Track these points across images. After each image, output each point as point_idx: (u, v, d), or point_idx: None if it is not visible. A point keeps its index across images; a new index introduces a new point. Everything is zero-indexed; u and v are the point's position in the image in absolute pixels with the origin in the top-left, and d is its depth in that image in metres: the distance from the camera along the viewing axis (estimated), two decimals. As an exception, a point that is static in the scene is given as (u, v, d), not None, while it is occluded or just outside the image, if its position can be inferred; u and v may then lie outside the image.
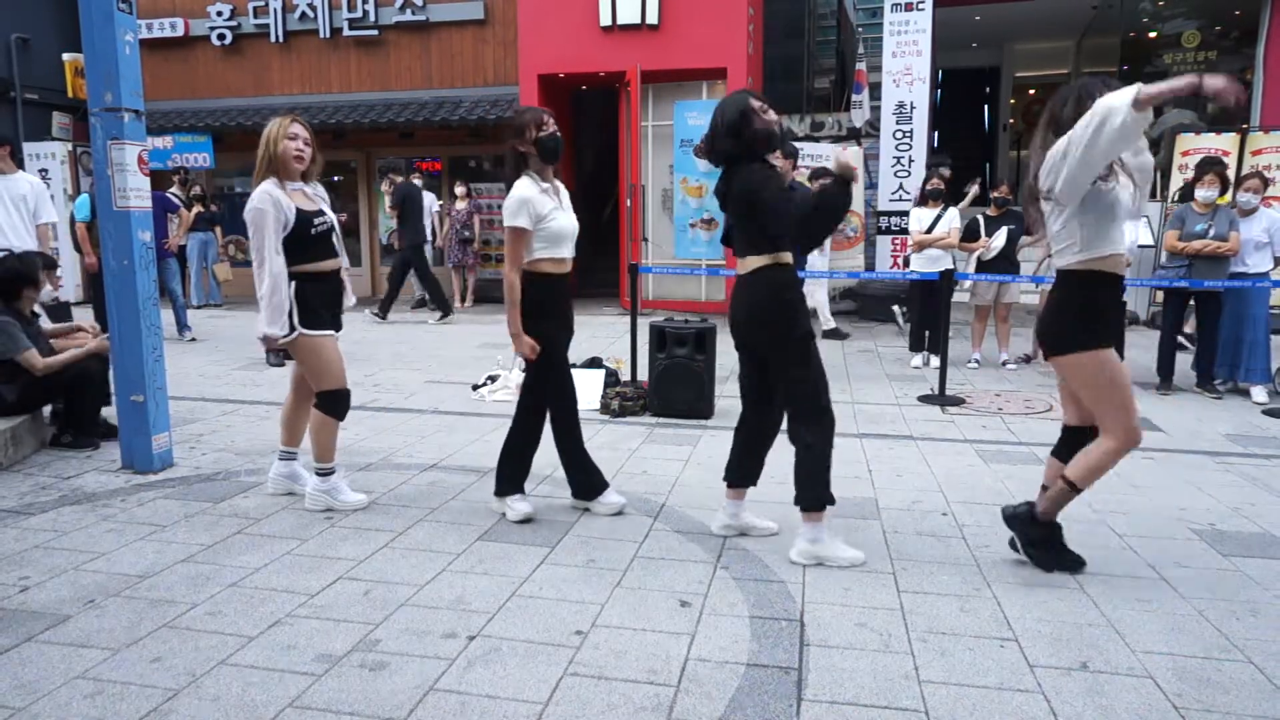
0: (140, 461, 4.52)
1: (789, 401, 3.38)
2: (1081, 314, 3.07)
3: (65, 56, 13.19)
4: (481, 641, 2.74)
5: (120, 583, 3.16)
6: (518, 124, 3.63)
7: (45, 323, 5.20)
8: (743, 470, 3.61)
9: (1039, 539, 3.29)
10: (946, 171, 8.90)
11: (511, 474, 3.86)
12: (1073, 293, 3.11)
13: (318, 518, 3.85)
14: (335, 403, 3.91)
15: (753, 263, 3.33)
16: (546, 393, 3.80)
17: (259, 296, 3.70)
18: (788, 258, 3.35)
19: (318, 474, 3.95)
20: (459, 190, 11.81)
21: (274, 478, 4.17)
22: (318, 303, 3.81)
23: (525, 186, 3.58)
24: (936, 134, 14.78)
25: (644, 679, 2.51)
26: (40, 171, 12.23)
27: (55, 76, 13.38)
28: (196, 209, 10.94)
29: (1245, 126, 10.31)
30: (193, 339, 9.06)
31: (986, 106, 17.85)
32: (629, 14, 10.62)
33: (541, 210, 3.57)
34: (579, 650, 2.68)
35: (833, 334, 9.26)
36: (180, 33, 13.19)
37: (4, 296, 4.88)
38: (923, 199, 7.92)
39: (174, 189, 10.43)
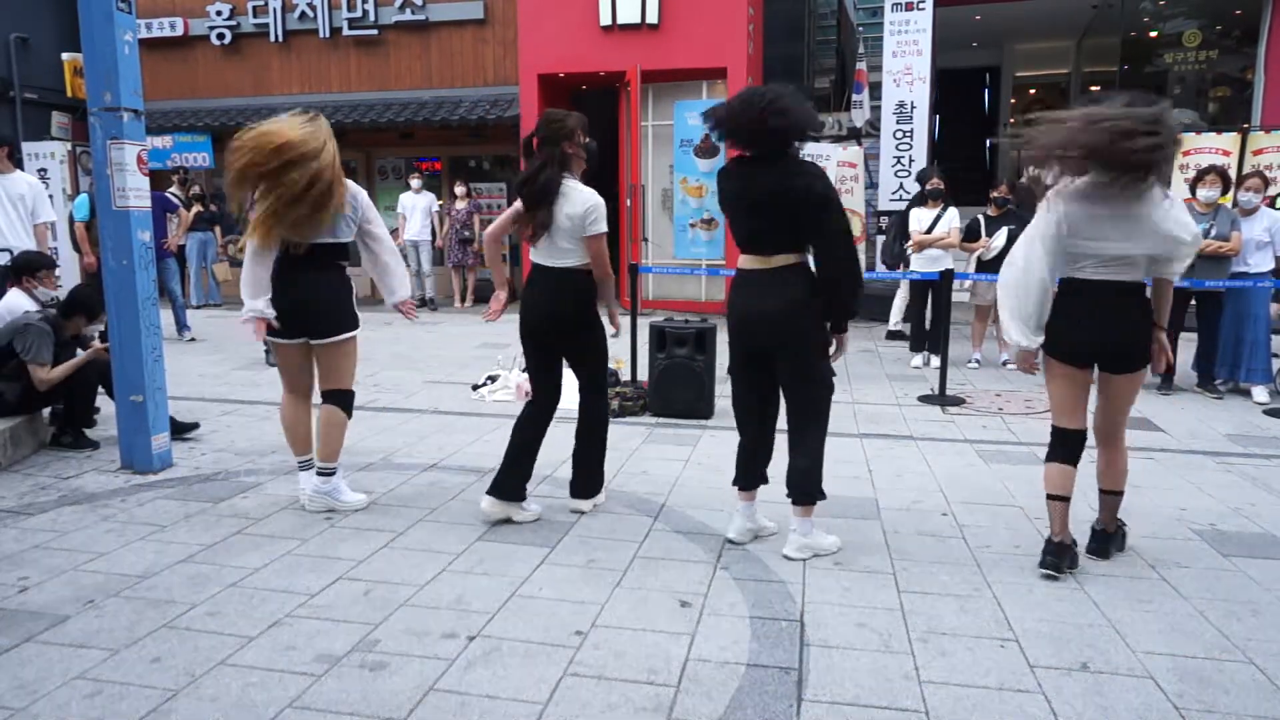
0: (140, 462, 4.51)
1: (800, 406, 3.38)
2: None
3: (64, 56, 13.17)
4: (481, 641, 2.73)
5: (120, 583, 3.15)
6: (569, 127, 3.63)
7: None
8: (754, 473, 3.59)
9: (1116, 540, 3.46)
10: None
11: (525, 474, 3.83)
12: (1143, 307, 3.20)
13: (318, 518, 3.84)
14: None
15: (785, 259, 3.28)
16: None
17: (401, 267, 4.04)
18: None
19: (319, 474, 3.93)
20: (459, 190, 11.81)
21: (313, 494, 3.93)
22: None
23: (593, 192, 3.65)
24: (938, 118, 14.71)
25: (644, 679, 2.51)
26: (39, 171, 12.23)
27: (54, 76, 13.36)
28: (196, 209, 10.93)
29: (1246, 126, 10.30)
30: (192, 339, 9.06)
31: (986, 105, 17.83)
32: (629, 14, 10.61)
33: None
34: (579, 650, 2.68)
35: (897, 335, 9.18)
36: (179, 32, 13.18)
37: (61, 312, 5.00)
38: (922, 199, 7.92)
39: (173, 189, 10.43)
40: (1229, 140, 9.78)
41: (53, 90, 13.52)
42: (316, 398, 4.01)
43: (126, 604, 2.98)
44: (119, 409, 4.54)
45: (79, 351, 5.00)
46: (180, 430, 5.06)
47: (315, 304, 3.81)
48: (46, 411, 5.08)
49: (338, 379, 3.92)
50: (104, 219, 4.42)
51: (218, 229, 12.04)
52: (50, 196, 6.97)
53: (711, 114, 3.30)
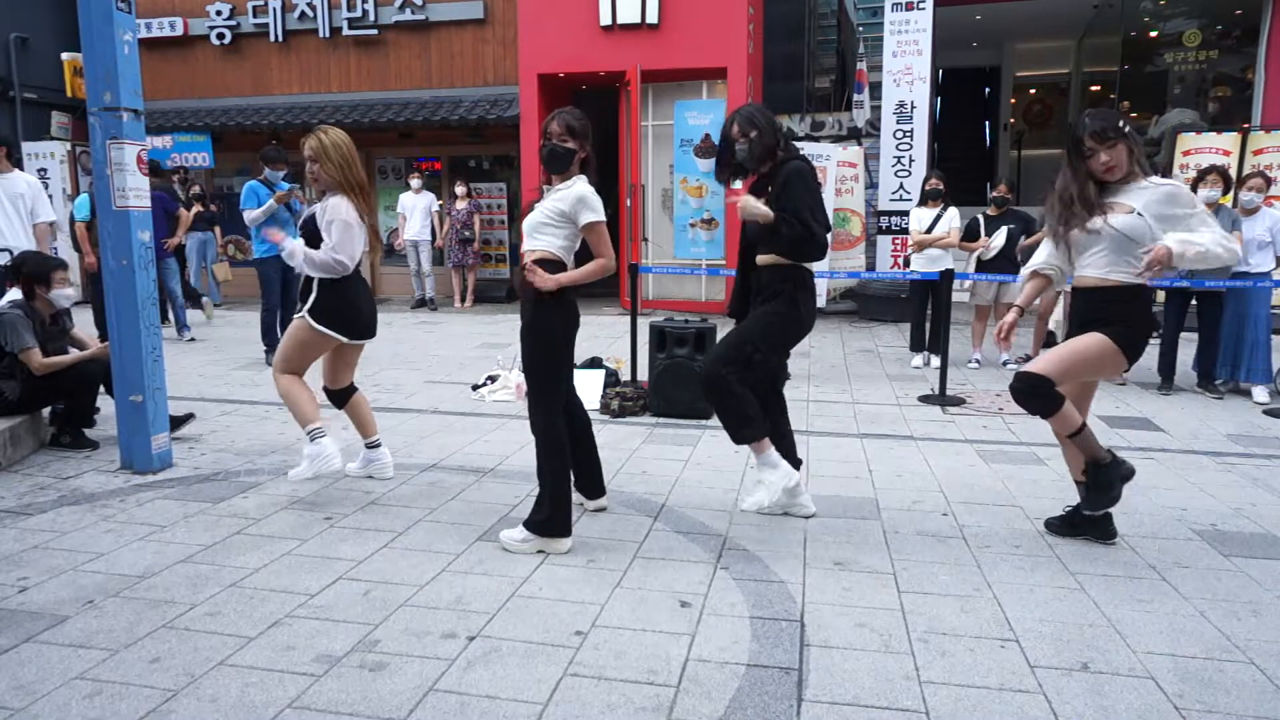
0: (139, 462, 4.51)
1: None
2: None
3: (64, 56, 13.19)
4: (481, 641, 2.73)
5: (119, 583, 3.15)
6: (584, 127, 3.61)
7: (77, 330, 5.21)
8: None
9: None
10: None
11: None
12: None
13: (317, 518, 3.84)
14: None
15: None
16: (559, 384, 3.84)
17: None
18: None
19: (378, 446, 4.40)
20: (459, 190, 11.81)
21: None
22: None
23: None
24: (939, 106, 14.70)
25: (644, 679, 2.51)
26: (39, 171, 12.24)
27: (54, 76, 13.37)
28: (196, 209, 10.92)
29: (1246, 126, 10.31)
30: (192, 339, 9.06)
31: (986, 105, 17.83)
32: (629, 13, 10.62)
33: None
34: (579, 650, 2.67)
35: None
36: (179, 32, 13.19)
37: (24, 294, 4.88)
38: (923, 199, 7.91)
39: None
40: (1229, 140, 9.78)
41: (53, 90, 13.53)
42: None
43: (126, 604, 2.98)
44: (119, 409, 4.53)
45: (70, 349, 4.98)
46: (174, 424, 4.99)
47: (373, 305, 4.25)
48: (46, 411, 5.07)
49: (353, 371, 4.33)
50: (104, 219, 4.42)
51: (218, 229, 12.03)
52: (50, 197, 6.96)
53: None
